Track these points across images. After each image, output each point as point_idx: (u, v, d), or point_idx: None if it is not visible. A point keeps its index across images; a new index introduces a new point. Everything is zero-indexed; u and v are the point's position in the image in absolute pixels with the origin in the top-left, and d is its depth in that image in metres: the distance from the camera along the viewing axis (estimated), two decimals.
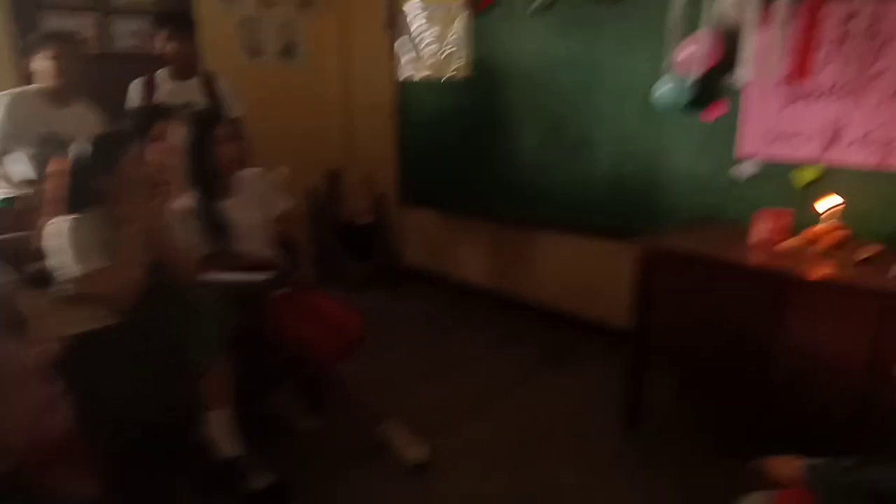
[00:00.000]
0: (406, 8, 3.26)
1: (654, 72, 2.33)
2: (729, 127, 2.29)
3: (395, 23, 3.34)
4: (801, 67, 2.00)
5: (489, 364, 2.70)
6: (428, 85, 3.26)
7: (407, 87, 3.38)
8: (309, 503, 1.84)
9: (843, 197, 2.03)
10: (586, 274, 2.92)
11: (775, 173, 2.21)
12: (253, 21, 3.43)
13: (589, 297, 2.92)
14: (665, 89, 2.30)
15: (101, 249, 1.67)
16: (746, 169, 2.27)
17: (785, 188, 2.19)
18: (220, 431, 1.79)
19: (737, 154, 2.29)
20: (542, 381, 2.55)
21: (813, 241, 1.85)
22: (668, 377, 2.36)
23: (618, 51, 2.51)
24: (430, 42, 3.19)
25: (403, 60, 3.35)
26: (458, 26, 3.03)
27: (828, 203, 1.89)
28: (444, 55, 3.13)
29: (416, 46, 3.27)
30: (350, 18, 3.77)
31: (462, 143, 3.17)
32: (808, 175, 2.13)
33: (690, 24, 2.19)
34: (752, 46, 2.08)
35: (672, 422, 2.26)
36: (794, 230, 1.97)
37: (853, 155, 2.04)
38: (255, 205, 2.19)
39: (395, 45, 3.37)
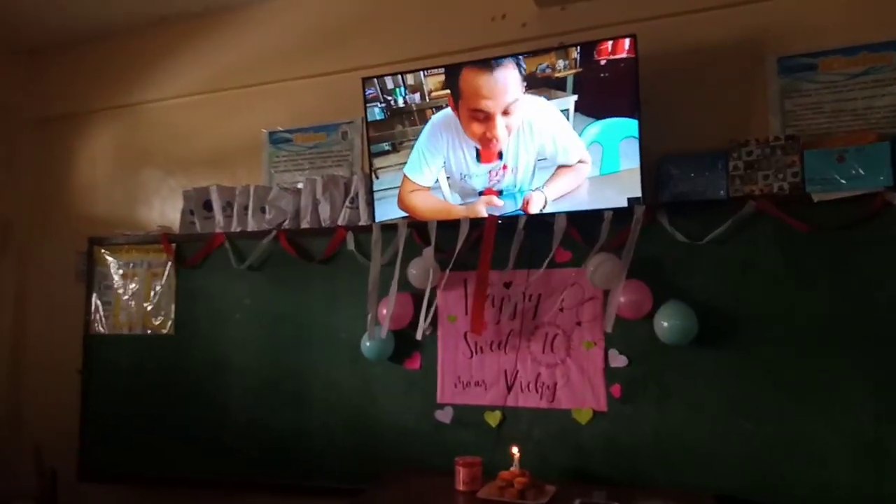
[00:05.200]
0: (105, 259, 3.06)
1: (360, 326, 2.51)
2: (429, 376, 2.48)
3: (90, 274, 3.09)
4: (477, 323, 2.34)
5: None
6: (127, 340, 2.98)
7: (101, 342, 3.03)
8: None
9: (524, 435, 2.29)
10: None
11: (471, 417, 2.40)
12: None
13: None
14: (370, 342, 2.47)
15: None
16: (447, 415, 2.43)
17: (481, 430, 2.38)
18: None
19: (438, 400, 2.46)
20: None
21: (506, 486, 1.98)
22: None
23: (327, 306, 2.65)
24: (130, 296, 3.00)
25: (99, 314, 3.05)
26: (163, 280, 2.92)
27: (514, 448, 2.10)
28: (147, 309, 2.95)
29: (114, 300, 3.03)
30: (33, 265, 3.42)
31: (166, 403, 2.86)
32: (495, 418, 2.36)
33: (387, 285, 2.47)
34: (434, 307, 2.40)
35: None
36: (492, 472, 2.10)
37: (528, 398, 2.34)
38: None
39: (91, 297, 3.07)
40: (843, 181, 2.01)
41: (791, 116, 2.21)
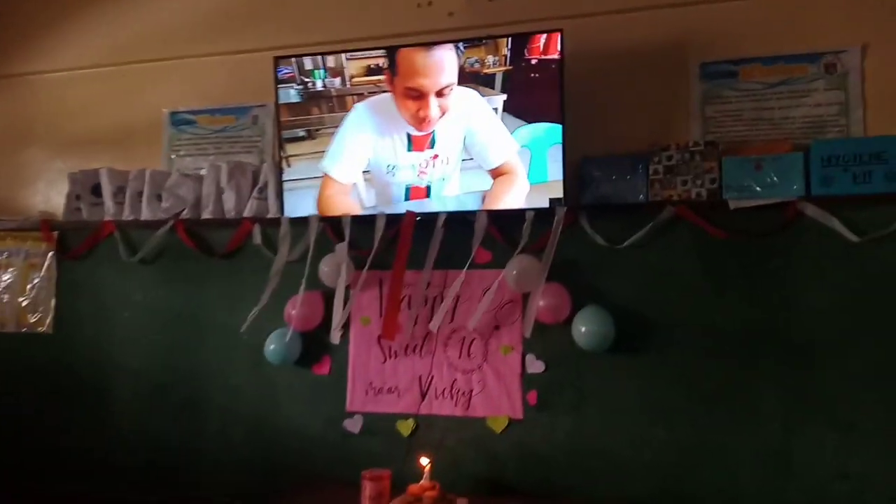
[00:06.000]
0: None
1: (264, 327, 2.31)
2: (339, 382, 2.33)
3: None
4: (389, 328, 2.20)
5: None
6: None
7: None
8: None
9: (437, 444, 2.18)
10: None
11: (382, 426, 2.27)
12: None
13: None
14: (275, 345, 2.29)
15: None
16: (356, 423, 2.29)
17: (392, 440, 2.24)
18: None
19: (347, 408, 2.30)
20: None
21: (415, 501, 1.86)
22: None
23: (228, 305, 2.44)
24: (3, 289, 2.67)
25: None
26: (42, 272, 2.62)
27: (424, 460, 1.98)
28: (22, 305, 2.63)
29: None
30: None
31: (40, 410, 2.58)
32: (407, 427, 2.23)
33: (297, 283, 2.29)
34: (342, 308, 2.24)
35: None
36: (403, 484, 1.96)
37: (442, 406, 2.23)
38: None
39: None
40: (758, 189, 2.02)
41: (711, 122, 2.20)
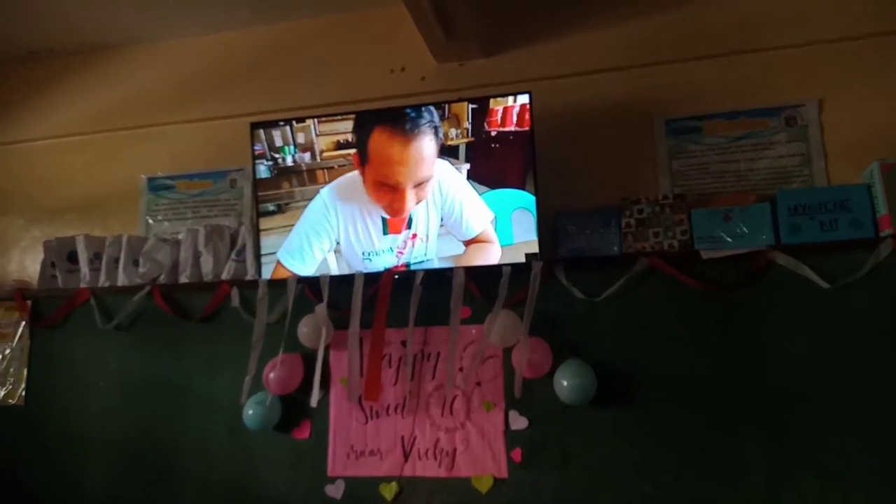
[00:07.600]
0: None
1: (242, 392, 2.27)
2: (320, 446, 2.27)
3: None
4: (372, 388, 2.17)
5: None
6: None
7: None
8: None
9: None
10: None
11: (365, 491, 2.20)
12: None
13: None
14: (254, 409, 2.24)
15: None
16: (338, 489, 2.22)
17: None
18: None
19: (328, 473, 2.24)
20: None
21: None
22: None
23: (206, 371, 2.40)
24: None
25: None
26: (15, 342, 2.56)
27: None
28: None
29: None
30: None
31: (9, 486, 2.46)
32: (391, 490, 2.18)
33: (275, 345, 2.26)
34: (319, 370, 2.21)
35: None
36: None
37: (426, 467, 2.18)
38: None
39: None
40: (728, 239, 2.06)
41: (679, 176, 2.27)
